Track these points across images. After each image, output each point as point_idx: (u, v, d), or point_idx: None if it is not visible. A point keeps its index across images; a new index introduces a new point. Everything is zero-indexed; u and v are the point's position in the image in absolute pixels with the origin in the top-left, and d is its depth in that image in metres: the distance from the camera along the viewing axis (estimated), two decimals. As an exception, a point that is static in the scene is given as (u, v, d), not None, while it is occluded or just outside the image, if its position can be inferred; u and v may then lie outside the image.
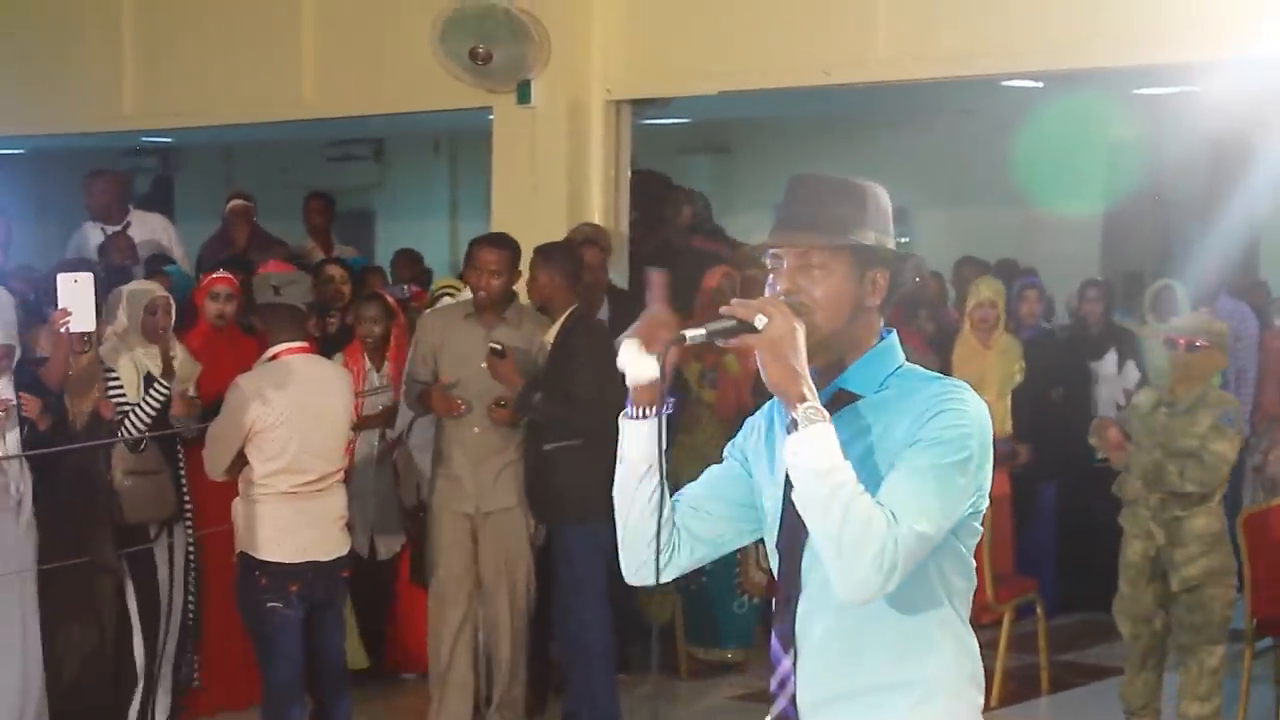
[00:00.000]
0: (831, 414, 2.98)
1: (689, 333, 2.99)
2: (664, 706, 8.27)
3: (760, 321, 2.96)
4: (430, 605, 7.58)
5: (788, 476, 3.03)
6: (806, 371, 2.96)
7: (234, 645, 7.48)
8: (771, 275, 3.15)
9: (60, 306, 7.00)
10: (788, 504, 3.06)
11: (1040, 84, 10.29)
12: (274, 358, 6.64)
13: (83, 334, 7.02)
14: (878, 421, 3.05)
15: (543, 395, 7.19)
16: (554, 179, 8.88)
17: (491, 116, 9.21)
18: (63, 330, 7.00)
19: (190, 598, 7.81)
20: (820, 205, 3.14)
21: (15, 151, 14.86)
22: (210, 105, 10.65)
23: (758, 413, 3.34)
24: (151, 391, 7.39)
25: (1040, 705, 8.53)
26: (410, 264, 11.16)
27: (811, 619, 3.10)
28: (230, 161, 16.27)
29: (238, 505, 6.68)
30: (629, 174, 9.17)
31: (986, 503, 3.08)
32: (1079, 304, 10.75)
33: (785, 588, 3.15)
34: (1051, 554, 10.05)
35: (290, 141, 14.64)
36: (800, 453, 2.92)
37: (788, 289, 3.09)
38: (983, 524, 3.11)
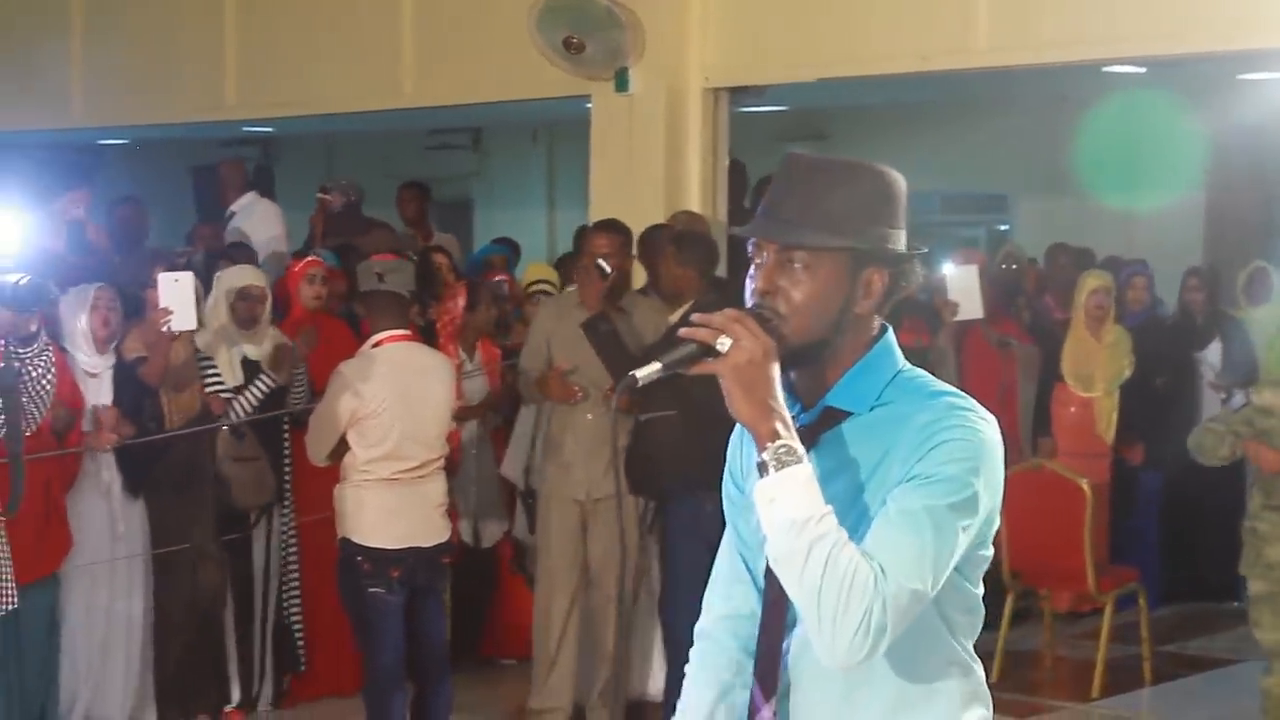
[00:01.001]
0: (819, 436, 2.68)
1: (641, 372, 2.61)
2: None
3: (723, 344, 2.58)
4: (538, 591, 7.61)
5: None
6: (779, 402, 2.58)
7: (337, 630, 7.54)
8: (752, 269, 2.75)
9: (161, 305, 7.09)
10: None
11: (1143, 69, 10.19)
12: (376, 345, 6.69)
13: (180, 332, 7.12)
14: (871, 448, 2.67)
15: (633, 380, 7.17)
16: (652, 167, 8.89)
17: (589, 105, 9.23)
18: (165, 329, 7.09)
19: (292, 582, 7.91)
20: (813, 195, 2.70)
21: (120, 141, 15.03)
22: (311, 95, 10.74)
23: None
24: (257, 382, 7.48)
25: (1142, 696, 8.47)
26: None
27: (801, 661, 2.74)
28: (330, 151, 16.38)
29: (340, 491, 6.73)
30: (727, 162, 9.16)
31: (996, 526, 2.76)
32: (1181, 292, 10.64)
33: (769, 625, 2.77)
34: (1154, 544, 9.96)
35: (389, 131, 14.71)
36: (774, 501, 2.55)
37: (763, 289, 2.69)
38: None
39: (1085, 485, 8.17)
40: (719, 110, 9.10)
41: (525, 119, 14.65)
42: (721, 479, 2.96)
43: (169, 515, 7.36)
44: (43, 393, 5.37)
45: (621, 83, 8.92)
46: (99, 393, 7.14)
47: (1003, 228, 15.15)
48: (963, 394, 2.72)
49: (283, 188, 14.28)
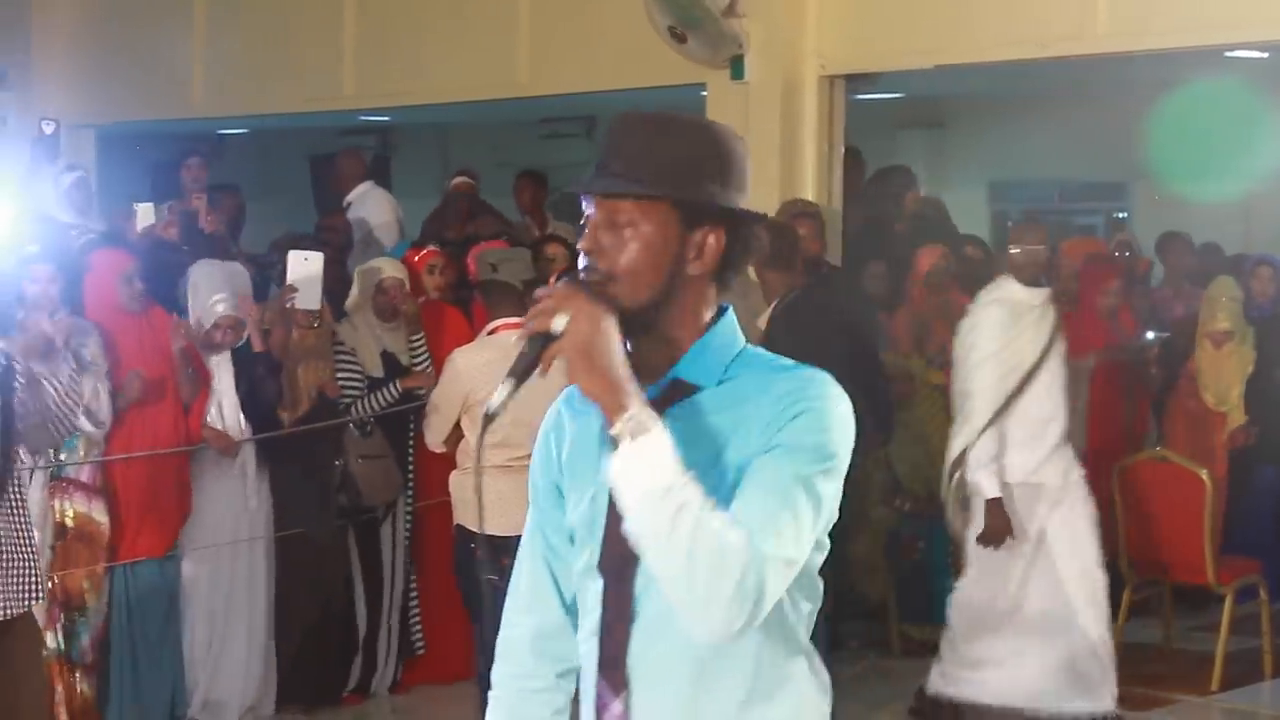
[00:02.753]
0: (668, 409, 2.52)
1: (494, 401, 2.51)
2: (877, 685, 8.23)
3: (558, 324, 2.45)
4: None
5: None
6: (625, 372, 2.45)
7: (454, 616, 7.59)
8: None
9: (288, 283, 7.21)
10: (612, 517, 2.55)
11: (1264, 54, 10.04)
12: (492, 332, 6.73)
13: (308, 311, 7.23)
14: (723, 421, 2.54)
15: None
16: (767, 155, 8.86)
17: (705, 93, 9.22)
18: (289, 306, 7.20)
19: (410, 568, 7.98)
20: (638, 148, 2.56)
21: (239, 131, 15.19)
22: (428, 84, 10.81)
23: (549, 415, 2.80)
24: (384, 392, 7.60)
25: (1262, 690, 8.35)
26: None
27: (646, 656, 2.59)
28: (446, 140, 16.48)
29: (454, 478, 6.76)
30: (843, 150, 9.13)
31: (837, 514, 2.58)
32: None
33: (612, 617, 2.61)
34: (1274, 536, 9.81)
35: (504, 120, 14.78)
36: (628, 473, 2.41)
37: (588, 248, 2.55)
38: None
39: (1205, 475, 8.08)
40: (834, 98, 9.06)
41: (640, 107, 14.66)
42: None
43: (292, 499, 7.46)
44: (66, 410, 5.34)
45: (737, 70, 8.91)
46: (221, 374, 7.24)
47: (1121, 215, 14.99)
48: (818, 371, 2.59)
49: (399, 177, 14.38)
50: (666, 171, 2.54)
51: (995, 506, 7.02)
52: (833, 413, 2.53)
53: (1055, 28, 8.34)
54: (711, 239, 2.57)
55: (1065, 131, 13.41)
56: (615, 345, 2.46)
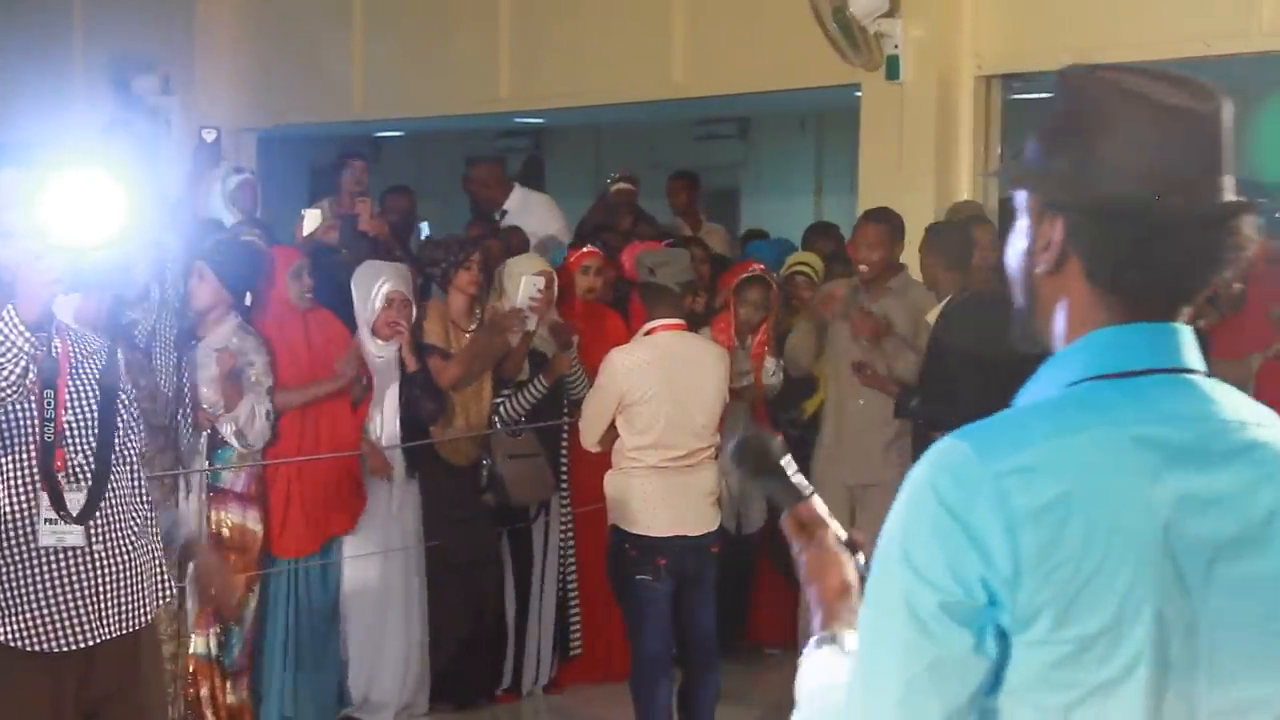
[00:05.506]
0: None
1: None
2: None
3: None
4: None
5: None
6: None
7: (610, 617, 7.62)
8: None
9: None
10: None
11: None
12: (649, 333, 6.74)
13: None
14: None
15: (921, 399, 7.08)
16: (922, 155, 8.82)
17: (859, 94, 9.19)
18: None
19: (570, 569, 8.02)
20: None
21: (395, 134, 15.36)
22: (582, 86, 10.86)
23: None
24: (529, 389, 7.63)
25: None
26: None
27: None
28: (600, 141, 16.54)
29: (609, 477, 6.79)
30: (1000, 150, 9.05)
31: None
32: None
33: None
34: None
35: (657, 121, 14.82)
36: (812, 669, 2.34)
37: None
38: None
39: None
40: (991, 97, 9.00)
41: (793, 108, 14.64)
42: None
43: (442, 501, 7.52)
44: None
45: (892, 71, 8.87)
46: (387, 378, 7.33)
47: (1282, 215, 14.72)
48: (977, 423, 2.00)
49: (552, 178, 14.46)
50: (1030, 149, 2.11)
51: None
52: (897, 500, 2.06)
53: (1218, 25, 8.21)
54: (1055, 226, 2.01)
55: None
56: (848, 575, 2.52)
